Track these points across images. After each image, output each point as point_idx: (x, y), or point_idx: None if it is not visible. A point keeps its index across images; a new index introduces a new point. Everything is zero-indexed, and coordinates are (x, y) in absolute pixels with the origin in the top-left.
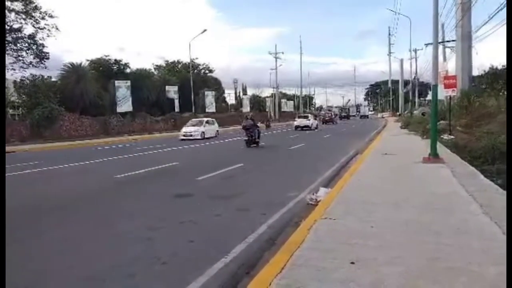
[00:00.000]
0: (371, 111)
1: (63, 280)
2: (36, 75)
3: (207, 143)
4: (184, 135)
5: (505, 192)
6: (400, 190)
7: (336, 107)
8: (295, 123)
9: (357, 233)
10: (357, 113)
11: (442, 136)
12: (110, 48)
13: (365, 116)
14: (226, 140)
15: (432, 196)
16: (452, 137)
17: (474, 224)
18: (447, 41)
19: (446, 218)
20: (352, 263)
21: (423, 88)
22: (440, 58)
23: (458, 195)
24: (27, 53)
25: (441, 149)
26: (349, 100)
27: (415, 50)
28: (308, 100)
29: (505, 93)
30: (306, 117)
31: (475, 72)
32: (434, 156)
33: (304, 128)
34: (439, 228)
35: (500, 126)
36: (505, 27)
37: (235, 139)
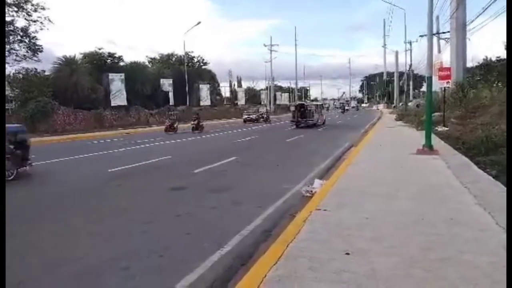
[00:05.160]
0: (366, 103)
1: (58, 273)
2: (29, 69)
3: (203, 136)
4: None
5: (498, 182)
6: (395, 182)
7: (331, 99)
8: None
9: (352, 224)
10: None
11: (436, 128)
12: (102, 41)
13: (354, 107)
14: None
15: (426, 187)
16: (446, 128)
17: (467, 214)
18: (442, 33)
19: (440, 208)
20: (347, 253)
21: (418, 79)
22: (435, 49)
23: (452, 186)
24: (19, 46)
25: (436, 141)
26: (344, 92)
27: (410, 42)
28: (303, 93)
29: (499, 84)
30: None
31: (469, 64)
32: (428, 148)
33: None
34: (432, 219)
35: (493, 117)
36: (498, 19)
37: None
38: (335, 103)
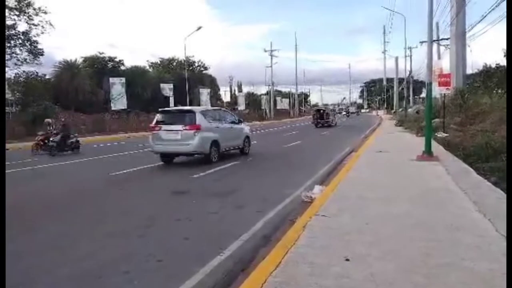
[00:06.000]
0: (366, 109)
1: (57, 276)
2: (30, 72)
3: None
4: None
5: (497, 189)
6: (394, 188)
7: (331, 104)
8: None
9: (352, 229)
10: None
11: (436, 134)
12: (103, 45)
13: (353, 113)
14: None
15: (426, 193)
16: (446, 134)
17: (467, 220)
18: (442, 39)
19: (440, 214)
20: (347, 259)
21: (418, 85)
22: (435, 56)
23: (452, 192)
24: (20, 50)
25: (435, 147)
26: (344, 97)
27: (410, 48)
28: (303, 98)
29: (499, 91)
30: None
31: (469, 70)
32: (428, 154)
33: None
34: (432, 224)
35: (493, 124)
36: (498, 25)
37: None
38: (334, 108)
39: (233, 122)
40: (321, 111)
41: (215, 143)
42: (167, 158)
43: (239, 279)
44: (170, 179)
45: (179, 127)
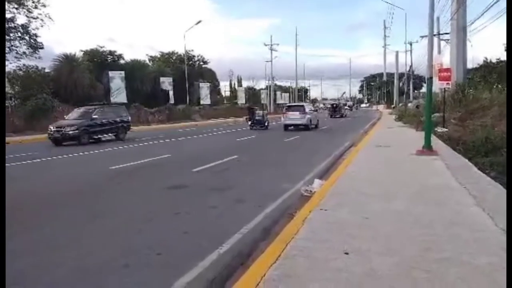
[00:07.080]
0: (366, 103)
1: (57, 273)
2: (29, 66)
3: (202, 135)
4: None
5: (497, 184)
6: (394, 182)
7: (331, 99)
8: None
9: (351, 224)
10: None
11: (436, 129)
12: (102, 39)
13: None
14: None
15: (425, 188)
16: (446, 129)
17: (466, 215)
18: (442, 34)
19: (439, 209)
20: (346, 253)
21: (418, 80)
22: (435, 50)
23: (451, 187)
24: (20, 43)
25: (435, 142)
26: (344, 92)
27: (410, 43)
28: (303, 92)
29: (499, 86)
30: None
31: (469, 65)
32: (428, 149)
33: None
34: (432, 219)
35: (493, 119)
36: (499, 20)
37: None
38: (343, 103)
39: (313, 111)
40: (334, 105)
41: (311, 120)
42: (288, 127)
43: (238, 273)
44: (169, 173)
45: (297, 112)
